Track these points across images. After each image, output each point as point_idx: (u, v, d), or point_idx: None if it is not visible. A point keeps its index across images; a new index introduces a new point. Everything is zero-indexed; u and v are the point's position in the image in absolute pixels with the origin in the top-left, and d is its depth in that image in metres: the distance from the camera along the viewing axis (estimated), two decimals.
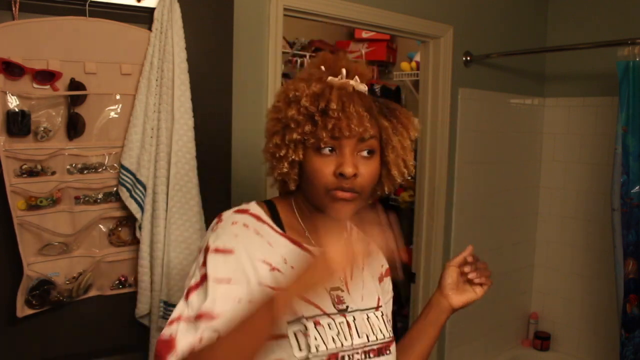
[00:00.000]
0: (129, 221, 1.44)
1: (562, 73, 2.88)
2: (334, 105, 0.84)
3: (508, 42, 2.63)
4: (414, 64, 3.21)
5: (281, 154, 0.89)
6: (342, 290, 0.94)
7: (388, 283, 1.08)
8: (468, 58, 2.47)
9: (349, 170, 0.85)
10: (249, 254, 0.87)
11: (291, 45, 3.10)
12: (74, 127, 1.33)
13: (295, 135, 0.87)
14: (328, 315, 0.89)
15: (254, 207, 0.95)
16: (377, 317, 0.97)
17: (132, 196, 1.40)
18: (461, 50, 2.44)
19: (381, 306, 0.99)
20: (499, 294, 2.82)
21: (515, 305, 2.98)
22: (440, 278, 1.10)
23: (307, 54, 3.11)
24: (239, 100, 1.66)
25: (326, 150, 0.87)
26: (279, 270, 0.87)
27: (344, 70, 0.91)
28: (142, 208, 1.41)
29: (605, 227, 2.33)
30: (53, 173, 1.32)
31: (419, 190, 2.49)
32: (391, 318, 1.05)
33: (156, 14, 1.39)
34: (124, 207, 1.41)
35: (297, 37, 3.13)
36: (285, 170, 0.90)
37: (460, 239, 2.54)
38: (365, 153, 0.89)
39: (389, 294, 1.09)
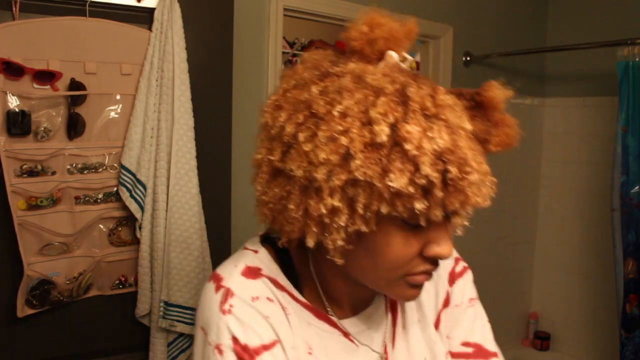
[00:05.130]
0: (129, 221, 1.44)
1: (562, 73, 2.88)
2: (469, 169, 0.56)
3: (508, 42, 2.63)
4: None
5: (339, 223, 0.57)
6: None
7: (456, 296, 0.84)
8: (468, 58, 2.47)
9: (450, 252, 0.63)
10: (288, 342, 0.65)
11: (291, 45, 3.09)
12: (74, 127, 1.33)
13: (387, 210, 0.56)
14: None
15: (264, 259, 0.69)
16: None
17: (132, 196, 1.40)
18: (461, 51, 2.44)
19: None
20: (499, 294, 2.82)
21: (515, 305, 2.98)
22: None
23: None
24: (239, 100, 1.66)
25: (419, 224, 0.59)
26: None
27: (393, 55, 0.62)
28: (142, 208, 1.41)
29: (605, 227, 2.33)
30: (53, 173, 1.32)
31: None
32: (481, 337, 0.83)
33: (156, 14, 1.39)
34: (124, 207, 1.41)
35: (297, 37, 3.13)
36: (338, 243, 0.59)
37: (460, 238, 2.53)
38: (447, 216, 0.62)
39: (458, 306, 0.83)
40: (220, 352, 0.61)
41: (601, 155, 2.67)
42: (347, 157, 0.55)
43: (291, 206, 0.60)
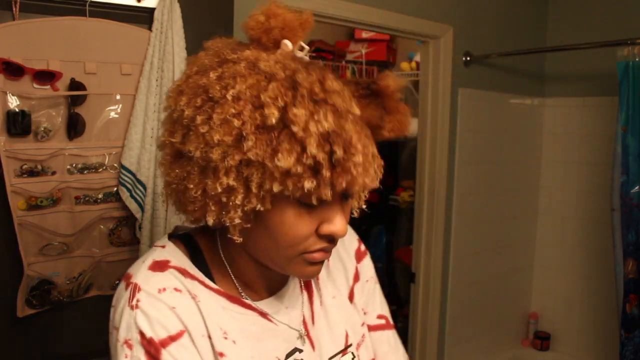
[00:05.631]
0: (129, 221, 1.44)
1: (562, 73, 2.88)
2: (353, 151, 0.59)
3: (508, 42, 2.63)
4: (414, 64, 3.21)
5: (236, 201, 0.61)
6: (301, 351, 0.75)
7: (364, 272, 0.89)
8: (468, 58, 2.47)
9: (344, 230, 0.65)
10: (197, 330, 0.66)
11: None
12: (74, 127, 1.33)
13: (278, 189, 0.59)
14: None
15: (172, 252, 0.71)
16: None
17: (132, 196, 1.40)
18: (461, 51, 2.44)
19: (350, 344, 0.81)
20: (498, 294, 2.82)
21: (515, 305, 2.98)
22: None
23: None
24: None
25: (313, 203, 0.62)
26: (221, 355, 0.67)
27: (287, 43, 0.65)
28: (142, 208, 1.41)
29: (605, 227, 2.33)
30: (53, 173, 1.32)
31: (419, 190, 2.49)
32: (379, 300, 0.91)
33: (156, 14, 1.39)
34: (124, 207, 1.41)
35: None
36: (236, 221, 0.62)
37: (460, 239, 2.54)
38: (344, 197, 0.67)
39: (369, 281, 0.90)
40: (130, 346, 0.63)
41: (601, 155, 2.67)
42: (240, 138, 0.59)
43: (191, 186, 0.63)
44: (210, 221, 0.63)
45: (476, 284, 2.67)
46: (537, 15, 2.86)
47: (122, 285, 0.67)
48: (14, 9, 1.22)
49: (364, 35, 3.35)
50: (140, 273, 0.67)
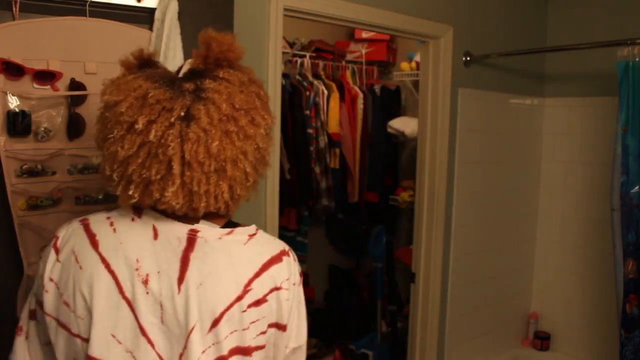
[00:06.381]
0: None
1: (562, 73, 2.88)
2: None
3: (508, 42, 2.63)
4: (414, 64, 3.21)
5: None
6: None
7: None
8: (468, 58, 2.47)
9: None
10: None
11: (291, 45, 3.09)
12: (75, 127, 1.33)
13: None
14: None
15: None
16: None
17: None
18: (461, 51, 2.44)
19: None
20: (499, 294, 2.82)
21: (515, 305, 2.98)
22: None
23: (307, 54, 3.11)
24: None
25: None
26: None
27: None
28: None
29: (605, 227, 2.33)
30: (53, 173, 1.32)
31: (419, 190, 2.50)
32: None
33: (156, 14, 1.39)
34: None
35: (297, 37, 3.13)
36: None
37: (460, 239, 2.54)
38: None
39: None
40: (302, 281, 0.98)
41: (601, 155, 2.67)
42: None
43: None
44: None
45: (476, 284, 2.67)
46: (537, 15, 2.86)
47: (289, 257, 0.95)
48: (14, 9, 1.22)
49: (364, 35, 3.35)
50: (282, 244, 0.97)
